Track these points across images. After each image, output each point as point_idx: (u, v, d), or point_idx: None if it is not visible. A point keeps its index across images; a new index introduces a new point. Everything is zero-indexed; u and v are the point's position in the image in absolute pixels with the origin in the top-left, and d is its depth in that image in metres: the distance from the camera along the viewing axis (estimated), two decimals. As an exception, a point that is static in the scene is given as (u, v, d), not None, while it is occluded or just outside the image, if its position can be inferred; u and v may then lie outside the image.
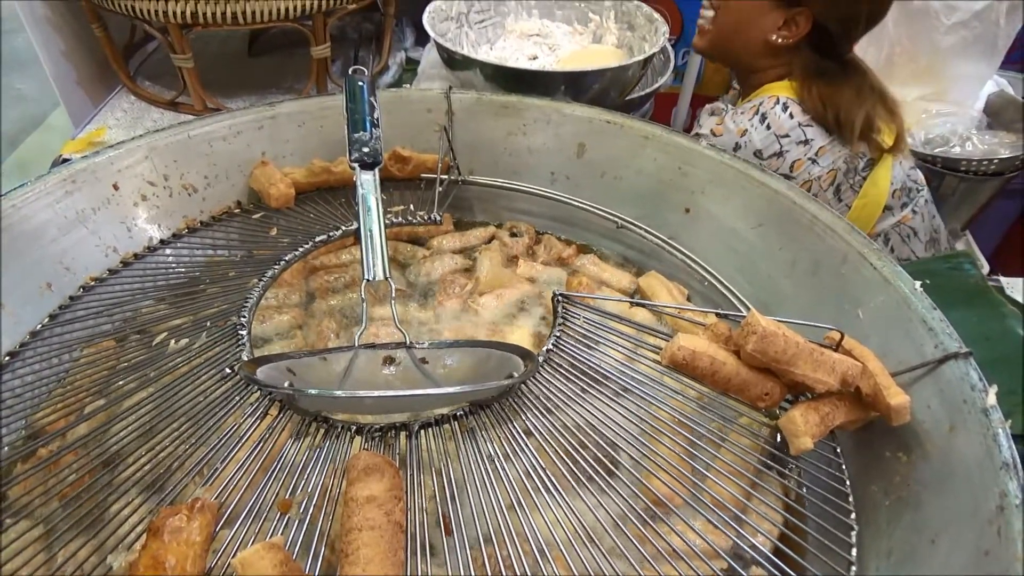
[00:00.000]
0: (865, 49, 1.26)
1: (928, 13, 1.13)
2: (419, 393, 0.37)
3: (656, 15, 0.91)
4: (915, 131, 1.15)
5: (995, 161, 1.11)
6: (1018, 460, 0.41)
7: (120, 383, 0.46)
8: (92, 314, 0.54)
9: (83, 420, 0.45)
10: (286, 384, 0.38)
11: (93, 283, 0.60)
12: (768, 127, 0.90)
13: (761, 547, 0.44)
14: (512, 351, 0.43)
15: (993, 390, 0.45)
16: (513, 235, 0.73)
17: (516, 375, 0.40)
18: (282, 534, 0.36)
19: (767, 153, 0.89)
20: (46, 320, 0.56)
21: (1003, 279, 0.69)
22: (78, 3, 0.86)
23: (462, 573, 0.36)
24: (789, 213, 0.62)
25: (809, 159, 0.90)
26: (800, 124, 0.90)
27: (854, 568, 0.43)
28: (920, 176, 0.99)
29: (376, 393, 0.36)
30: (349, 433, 0.39)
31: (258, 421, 0.39)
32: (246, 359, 0.42)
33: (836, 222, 0.59)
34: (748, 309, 0.58)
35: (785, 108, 0.91)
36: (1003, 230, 1.50)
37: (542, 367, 0.44)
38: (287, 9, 0.80)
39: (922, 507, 0.44)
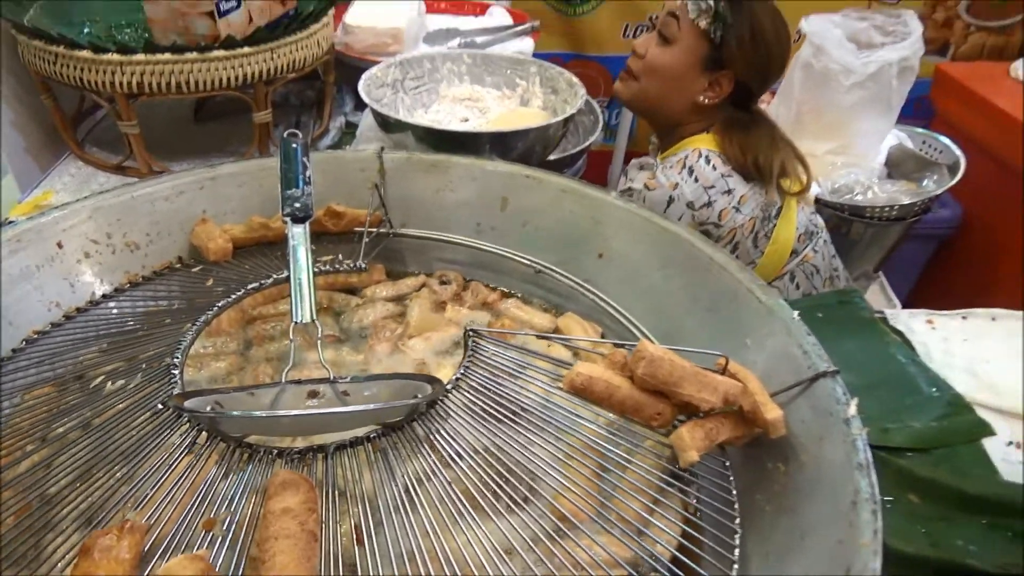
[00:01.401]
0: (777, 109, 1.38)
1: (829, 75, 1.24)
2: (330, 411, 0.42)
3: (575, 80, 0.99)
4: (823, 181, 1.25)
5: (896, 208, 1.20)
6: (871, 461, 0.47)
7: (57, 426, 0.49)
8: (34, 363, 0.57)
9: (23, 459, 0.47)
10: (208, 409, 0.41)
11: (36, 336, 0.63)
12: (696, 180, 0.98)
13: (660, 556, 0.49)
14: (423, 380, 0.48)
15: (854, 402, 0.51)
16: (443, 283, 0.78)
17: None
18: (207, 548, 0.39)
19: (698, 204, 0.96)
20: (-8, 367, 0.59)
21: (887, 311, 0.76)
22: (27, 76, 0.91)
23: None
24: (689, 255, 0.68)
25: (733, 207, 0.97)
26: (723, 175, 0.98)
27: (736, 567, 0.48)
28: (819, 220, 1.08)
29: (293, 412, 0.40)
30: (270, 456, 0.42)
31: (186, 451, 0.43)
32: (176, 394, 0.46)
33: (729, 262, 0.65)
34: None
35: (708, 161, 0.98)
36: (917, 271, 1.60)
37: (451, 392, 0.49)
38: (229, 79, 0.86)
39: (796, 511, 0.49)
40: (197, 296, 0.63)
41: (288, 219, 0.61)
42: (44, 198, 0.94)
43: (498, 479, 0.48)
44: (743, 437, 0.54)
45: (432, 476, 0.46)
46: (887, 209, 1.20)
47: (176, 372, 0.48)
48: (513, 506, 0.49)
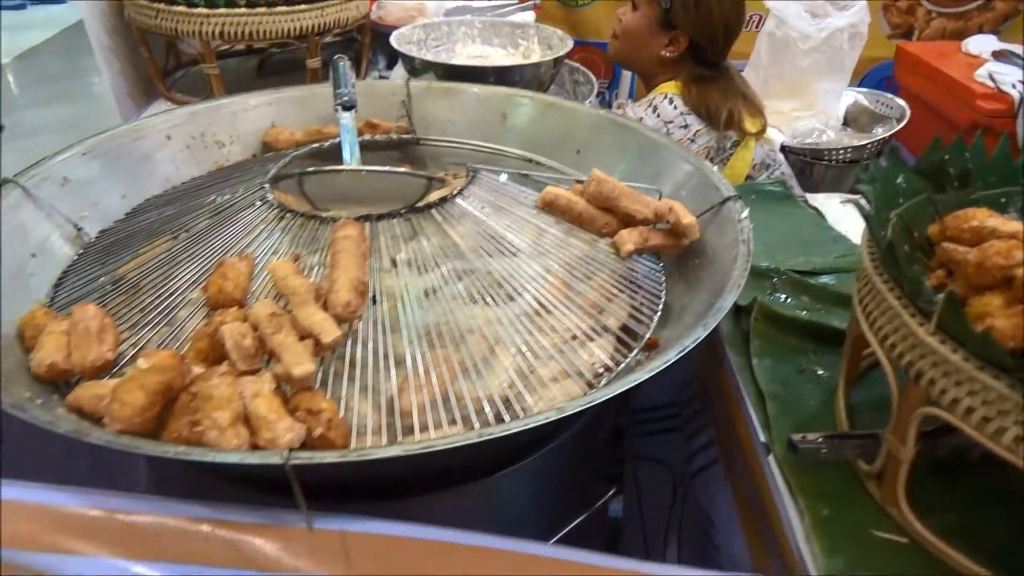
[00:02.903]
0: (748, 75, 1.58)
1: (789, 42, 1.44)
2: (381, 169, 0.63)
3: (567, 36, 1.21)
4: (785, 130, 1.44)
5: (850, 150, 1.40)
6: (751, 239, 0.66)
7: (179, 227, 0.71)
8: (160, 204, 0.79)
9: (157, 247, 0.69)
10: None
11: (152, 199, 0.85)
12: (658, 115, 1.19)
13: (611, 326, 0.68)
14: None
15: (746, 211, 0.70)
16: (455, 177, 0.99)
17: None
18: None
19: None
20: (121, 217, 0.81)
21: (808, 195, 0.95)
22: (128, 35, 1.15)
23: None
24: (643, 143, 0.89)
25: (688, 139, 1.19)
26: (681, 113, 1.19)
27: (655, 317, 0.67)
28: (779, 156, 1.28)
29: (353, 167, 0.61)
30: (334, 221, 0.63)
31: (277, 217, 0.64)
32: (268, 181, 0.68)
33: (669, 143, 0.86)
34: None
35: (671, 102, 1.20)
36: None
37: (458, 197, 0.69)
38: (288, 30, 1.09)
39: (700, 281, 0.69)
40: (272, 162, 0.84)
41: (339, 107, 0.83)
42: (137, 135, 1.18)
43: (493, 283, 0.68)
44: (672, 247, 0.74)
45: (446, 256, 0.66)
46: (843, 151, 1.39)
47: (266, 185, 0.69)
48: (505, 300, 0.69)
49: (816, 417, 0.62)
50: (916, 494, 0.52)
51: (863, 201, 0.55)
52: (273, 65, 1.33)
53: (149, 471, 0.73)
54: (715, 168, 0.78)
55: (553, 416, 0.49)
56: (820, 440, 0.56)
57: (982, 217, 0.54)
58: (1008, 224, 0.54)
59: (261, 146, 0.96)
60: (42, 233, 0.73)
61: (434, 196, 0.67)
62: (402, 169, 0.71)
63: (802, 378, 0.67)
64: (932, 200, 0.60)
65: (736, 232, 0.68)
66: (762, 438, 0.60)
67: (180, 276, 0.63)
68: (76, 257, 0.74)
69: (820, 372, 0.67)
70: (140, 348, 0.59)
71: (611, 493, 0.74)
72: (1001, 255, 0.49)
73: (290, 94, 0.99)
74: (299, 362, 0.51)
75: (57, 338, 0.57)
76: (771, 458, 0.58)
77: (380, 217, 0.64)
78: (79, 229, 0.76)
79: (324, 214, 0.64)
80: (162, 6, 1.05)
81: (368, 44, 1.33)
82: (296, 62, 1.18)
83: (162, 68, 1.21)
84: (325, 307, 0.56)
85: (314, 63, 1.18)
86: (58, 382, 0.56)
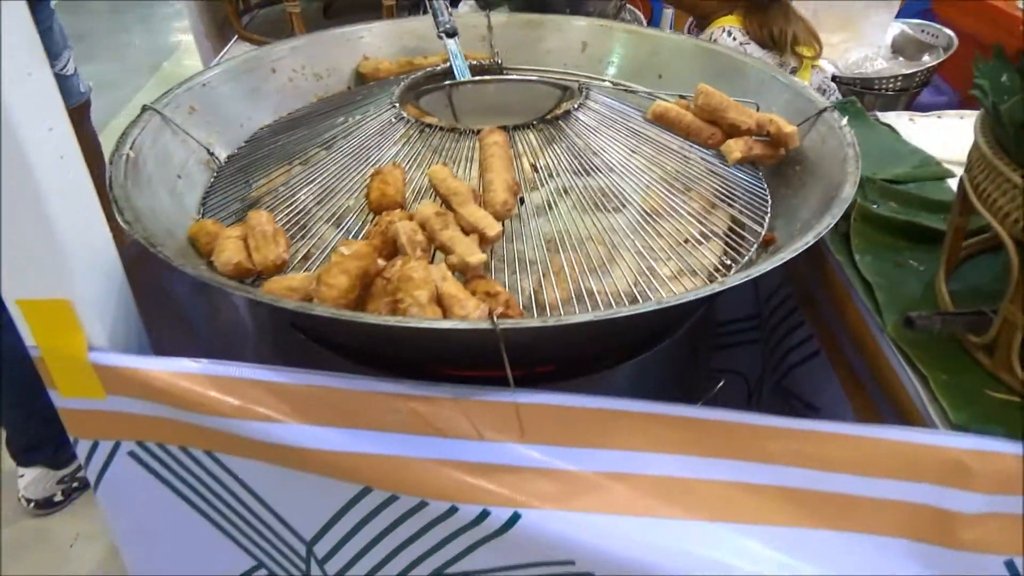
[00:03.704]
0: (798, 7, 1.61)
1: (838, -27, 1.47)
2: (522, 78, 0.68)
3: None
4: (837, 61, 1.48)
5: (899, 78, 1.43)
6: (857, 148, 0.71)
7: (319, 148, 0.76)
8: (279, 130, 0.84)
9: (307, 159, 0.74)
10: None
11: (266, 127, 0.90)
12: (718, 46, 1.22)
13: (719, 228, 0.74)
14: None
15: (845, 119, 0.75)
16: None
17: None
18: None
19: None
20: (243, 144, 0.86)
21: (878, 112, 1.00)
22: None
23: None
24: (728, 64, 0.93)
25: (751, 67, 1.22)
26: (741, 43, 1.23)
27: (767, 219, 0.72)
28: (832, 85, 1.32)
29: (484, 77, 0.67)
30: (473, 132, 0.68)
31: (418, 130, 0.69)
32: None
33: (756, 61, 0.90)
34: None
35: (730, 34, 1.24)
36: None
37: (578, 110, 0.74)
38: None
39: (805, 186, 0.74)
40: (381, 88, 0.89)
41: (443, 35, 0.87)
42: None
43: (606, 194, 0.73)
44: (773, 156, 0.78)
45: (566, 187, 0.71)
46: (892, 80, 1.43)
47: (395, 100, 0.74)
48: (616, 209, 0.74)
49: (919, 302, 0.68)
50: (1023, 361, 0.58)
51: (979, 93, 0.60)
52: (339, 6, 1.36)
53: (278, 345, 0.79)
54: (805, 83, 0.83)
55: (709, 291, 0.54)
56: (935, 316, 0.61)
57: (1089, 108, 0.59)
58: (1112, 113, 0.59)
59: (355, 77, 1.00)
60: (181, 157, 0.78)
61: (562, 108, 0.72)
62: (544, 80, 0.77)
63: (900, 271, 0.72)
64: (1033, 97, 0.65)
65: (840, 137, 0.73)
66: (877, 320, 0.65)
67: (338, 187, 0.68)
68: (213, 179, 0.79)
69: (916, 265, 0.73)
70: (309, 251, 0.64)
71: (719, 384, 0.80)
72: (1111, 139, 0.54)
73: (379, 28, 1.02)
74: (472, 252, 0.57)
75: (235, 242, 0.62)
76: (886, 335, 0.64)
77: (517, 127, 0.69)
78: (211, 154, 0.81)
79: (461, 126, 0.69)
80: (248, -55, 1.08)
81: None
82: (357, 3, 1.21)
83: (238, 11, 1.25)
84: (483, 206, 0.61)
85: (390, 0, 1.21)
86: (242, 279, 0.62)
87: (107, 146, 0.74)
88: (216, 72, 0.88)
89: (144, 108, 0.77)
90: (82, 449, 0.61)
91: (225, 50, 1.25)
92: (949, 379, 0.60)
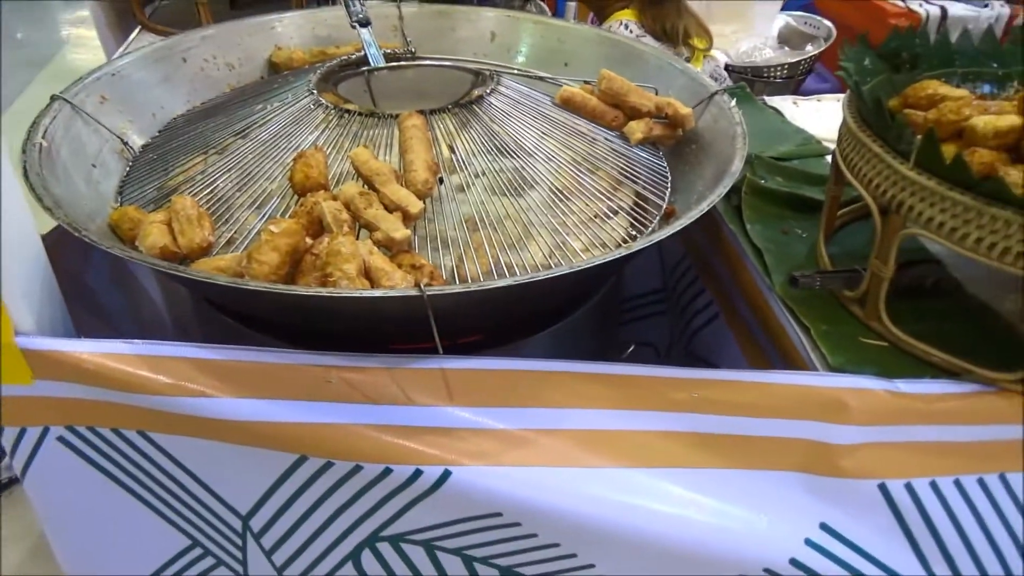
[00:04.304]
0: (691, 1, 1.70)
1: (729, -32, 1.56)
2: (438, 64, 0.71)
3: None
4: (729, 51, 1.58)
5: (786, 67, 1.54)
6: (745, 127, 0.78)
7: (234, 131, 0.77)
8: (194, 119, 0.84)
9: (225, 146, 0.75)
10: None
11: (180, 116, 0.89)
12: (619, 36, 1.29)
13: (625, 204, 0.79)
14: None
15: (734, 100, 0.82)
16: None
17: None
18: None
19: None
20: (156, 133, 0.86)
21: (764, 96, 1.08)
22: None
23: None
24: (629, 51, 0.99)
25: (649, 57, 1.29)
26: (637, 36, 1.30)
27: (668, 194, 0.78)
28: (724, 73, 1.41)
29: (401, 64, 0.70)
30: (391, 117, 0.71)
31: (338, 116, 0.72)
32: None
33: (654, 49, 0.96)
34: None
35: (626, 27, 1.31)
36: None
37: (490, 94, 0.78)
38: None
39: (700, 163, 0.81)
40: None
41: (357, 24, 0.89)
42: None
43: (520, 174, 0.77)
44: (671, 137, 0.85)
45: (482, 168, 0.75)
46: (779, 68, 1.54)
47: (313, 87, 0.76)
48: (528, 189, 0.78)
49: (803, 264, 0.75)
50: (888, 312, 0.66)
51: (844, 74, 0.67)
52: (245, -2, 1.35)
53: (201, 330, 0.80)
54: (698, 69, 0.89)
55: (622, 252, 0.59)
56: (815, 275, 0.69)
57: (935, 87, 0.67)
58: (954, 91, 0.67)
59: (268, 67, 1.00)
60: (95, 146, 0.78)
61: (475, 93, 0.76)
62: (458, 65, 0.80)
63: (786, 238, 0.80)
64: (891, 79, 0.73)
65: (729, 117, 0.80)
66: (766, 281, 0.72)
67: (258, 172, 0.69)
68: (129, 167, 0.79)
69: (800, 232, 0.81)
70: (232, 236, 0.66)
71: (630, 348, 0.86)
72: (953, 112, 0.62)
73: (292, 18, 1.03)
74: (396, 228, 0.60)
75: (159, 227, 0.63)
76: (775, 295, 0.71)
77: (434, 112, 0.72)
78: (125, 143, 0.81)
79: (380, 111, 0.72)
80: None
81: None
82: (267, -7, 1.22)
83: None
84: (405, 185, 0.65)
85: (298, -10, 1.22)
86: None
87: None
88: (126, 61, 0.87)
89: (53, 98, 0.76)
90: (7, 438, 0.60)
91: (129, 41, 1.22)
92: (828, 329, 0.67)
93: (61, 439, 0.60)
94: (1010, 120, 0.58)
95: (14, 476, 0.65)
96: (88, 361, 0.55)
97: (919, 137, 0.58)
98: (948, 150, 0.60)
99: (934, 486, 0.60)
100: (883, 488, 0.60)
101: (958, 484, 0.60)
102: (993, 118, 0.59)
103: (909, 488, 0.59)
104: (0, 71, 2.70)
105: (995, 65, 0.74)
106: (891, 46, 0.74)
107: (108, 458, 0.62)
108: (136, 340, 0.56)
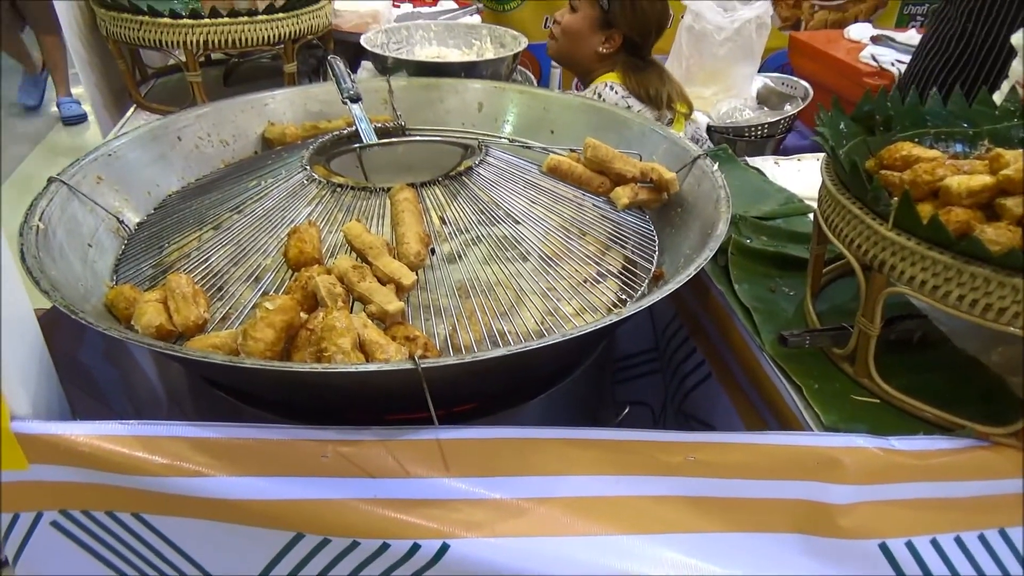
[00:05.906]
0: (671, 64, 1.76)
1: (706, 34, 1.62)
2: (428, 138, 0.73)
3: (518, 33, 1.33)
4: (711, 112, 1.62)
5: (766, 126, 1.59)
6: (728, 190, 0.80)
7: (232, 212, 0.78)
8: (189, 195, 0.86)
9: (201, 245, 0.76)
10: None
11: (175, 193, 0.91)
12: (603, 101, 1.33)
13: (613, 268, 0.81)
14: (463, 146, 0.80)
15: (716, 164, 0.84)
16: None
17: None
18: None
19: None
20: (152, 211, 0.87)
21: (747, 157, 1.11)
22: (101, 47, 1.19)
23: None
24: (611, 118, 1.02)
25: (633, 119, 1.33)
26: (623, 97, 1.34)
27: (656, 257, 0.80)
28: (704, 135, 1.46)
29: (393, 140, 0.72)
30: (384, 190, 0.73)
31: (330, 190, 0.73)
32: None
33: (635, 115, 0.99)
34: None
35: (612, 88, 1.35)
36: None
37: (478, 166, 0.80)
38: (268, 37, 1.16)
39: (686, 225, 0.82)
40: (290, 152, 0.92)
41: (347, 100, 0.92)
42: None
43: (510, 241, 0.79)
44: (656, 200, 0.87)
45: (473, 237, 0.77)
46: (759, 128, 1.58)
47: (306, 162, 0.78)
48: (521, 258, 0.80)
49: (791, 322, 0.77)
50: (877, 368, 0.67)
51: (821, 140, 0.70)
52: (239, 74, 1.39)
53: (196, 405, 0.80)
54: (680, 134, 0.92)
55: (613, 319, 0.60)
56: (804, 334, 0.70)
57: (908, 148, 0.70)
58: (927, 152, 0.70)
59: (262, 143, 1.03)
60: (91, 225, 0.79)
61: (464, 165, 0.78)
62: (448, 139, 0.83)
63: (774, 296, 0.81)
64: (866, 141, 0.76)
65: (712, 181, 0.82)
66: (756, 340, 0.73)
67: (253, 247, 0.71)
68: (125, 246, 0.80)
69: (787, 290, 0.82)
70: (227, 312, 0.67)
71: (625, 411, 0.86)
72: (927, 173, 0.64)
73: (283, 94, 1.06)
74: (390, 300, 0.61)
75: (155, 306, 0.64)
76: (765, 353, 0.72)
77: (424, 184, 0.74)
78: (121, 222, 0.82)
79: (372, 185, 0.74)
80: (146, 19, 1.10)
81: (331, 49, 1.41)
82: (260, 69, 1.25)
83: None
84: (397, 258, 0.66)
85: (291, 68, 1.25)
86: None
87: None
88: (122, 142, 0.89)
89: (50, 180, 0.77)
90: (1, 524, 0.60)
91: (124, 119, 1.25)
92: (820, 387, 0.68)
93: (55, 524, 0.60)
94: (982, 180, 0.60)
95: (4, 559, 0.64)
96: (83, 444, 0.55)
97: (895, 199, 0.60)
98: (924, 210, 0.62)
99: (935, 544, 0.60)
100: (884, 547, 0.60)
101: (959, 541, 0.60)
102: (966, 178, 0.61)
103: (910, 546, 0.59)
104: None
105: (965, 125, 0.77)
106: (864, 109, 0.77)
107: (101, 542, 0.61)
108: (131, 420, 0.56)
